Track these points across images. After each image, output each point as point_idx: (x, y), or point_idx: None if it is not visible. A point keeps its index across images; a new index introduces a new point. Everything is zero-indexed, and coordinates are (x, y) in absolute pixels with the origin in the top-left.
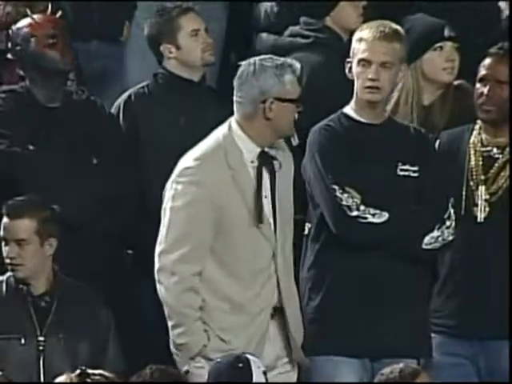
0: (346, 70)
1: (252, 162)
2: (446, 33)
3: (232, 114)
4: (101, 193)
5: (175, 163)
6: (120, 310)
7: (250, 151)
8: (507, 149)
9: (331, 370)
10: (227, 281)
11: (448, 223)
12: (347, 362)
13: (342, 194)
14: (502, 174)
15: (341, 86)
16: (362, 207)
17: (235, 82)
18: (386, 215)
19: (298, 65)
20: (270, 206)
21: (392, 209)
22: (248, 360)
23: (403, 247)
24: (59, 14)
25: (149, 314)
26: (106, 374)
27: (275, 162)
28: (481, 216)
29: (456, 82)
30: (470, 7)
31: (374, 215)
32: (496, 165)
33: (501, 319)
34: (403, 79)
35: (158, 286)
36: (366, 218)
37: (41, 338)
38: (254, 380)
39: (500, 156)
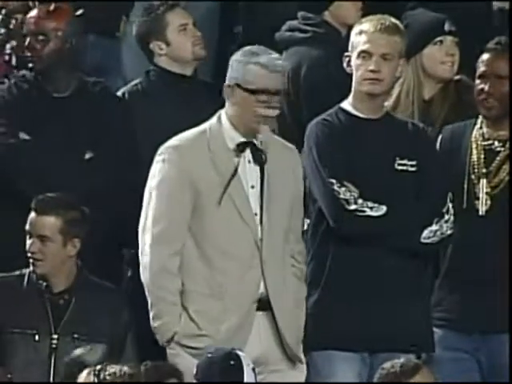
0: (344, 64)
1: (234, 150)
2: (447, 27)
3: None
4: (87, 189)
5: None
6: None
7: (232, 139)
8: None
9: (330, 364)
10: (201, 263)
11: (446, 217)
12: (346, 357)
13: (339, 187)
14: (504, 167)
15: (339, 81)
16: (360, 201)
17: None
18: (384, 209)
19: (277, 61)
20: (258, 196)
21: (390, 203)
22: (239, 357)
23: (401, 241)
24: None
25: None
26: (125, 368)
27: (262, 155)
28: (482, 209)
29: (456, 77)
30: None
31: (372, 209)
32: (498, 158)
33: (502, 313)
34: (402, 74)
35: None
36: (364, 212)
37: (54, 336)
38: (245, 377)
39: (502, 149)
